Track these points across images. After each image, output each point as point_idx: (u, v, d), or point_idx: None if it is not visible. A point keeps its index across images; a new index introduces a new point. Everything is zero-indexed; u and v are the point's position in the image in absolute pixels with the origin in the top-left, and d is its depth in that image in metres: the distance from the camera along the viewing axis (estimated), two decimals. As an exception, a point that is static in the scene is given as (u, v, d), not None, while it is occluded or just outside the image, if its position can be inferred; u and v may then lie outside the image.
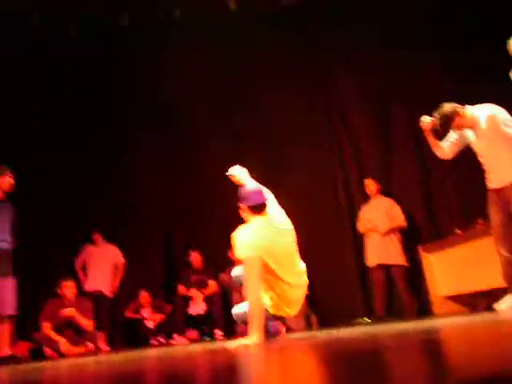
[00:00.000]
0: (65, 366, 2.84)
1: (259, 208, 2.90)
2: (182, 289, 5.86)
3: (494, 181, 3.54)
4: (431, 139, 3.78)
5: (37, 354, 4.97)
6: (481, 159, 3.61)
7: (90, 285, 5.87)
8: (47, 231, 6.08)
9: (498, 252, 3.45)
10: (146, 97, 6.59)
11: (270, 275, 2.79)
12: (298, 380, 0.94)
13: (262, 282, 2.72)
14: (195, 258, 6.03)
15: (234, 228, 2.88)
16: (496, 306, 3.39)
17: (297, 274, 2.98)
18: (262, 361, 1.59)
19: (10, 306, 4.08)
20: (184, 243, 6.34)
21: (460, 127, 3.58)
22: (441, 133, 3.70)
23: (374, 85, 5.96)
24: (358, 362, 1.14)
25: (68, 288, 5.02)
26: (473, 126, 3.56)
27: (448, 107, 3.53)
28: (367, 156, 6.05)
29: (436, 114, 3.58)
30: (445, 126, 3.57)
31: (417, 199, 5.70)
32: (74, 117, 6.48)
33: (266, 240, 2.76)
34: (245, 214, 2.96)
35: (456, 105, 3.53)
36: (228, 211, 5.75)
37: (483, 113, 3.51)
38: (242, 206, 2.93)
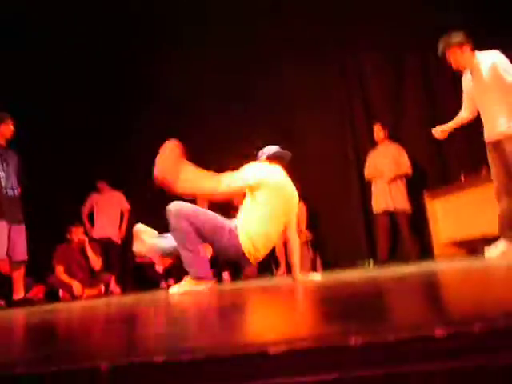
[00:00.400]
0: (77, 307, 2.97)
1: (277, 158, 2.94)
2: None
3: (487, 133, 3.52)
4: (452, 126, 3.74)
5: (52, 297, 5.18)
6: (465, 100, 3.61)
7: (99, 232, 5.99)
8: (55, 179, 6.14)
9: (497, 201, 3.49)
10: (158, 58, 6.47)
11: (263, 208, 2.78)
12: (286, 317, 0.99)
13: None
14: (201, 203, 6.10)
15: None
16: (486, 250, 3.48)
17: (276, 234, 2.94)
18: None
19: (22, 252, 4.21)
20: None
21: (457, 63, 3.49)
22: (441, 58, 3.61)
23: (388, 33, 5.81)
24: (356, 302, 1.19)
25: (77, 233, 5.17)
26: (472, 68, 3.48)
27: (455, 35, 3.45)
28: (377, 102, 5.98)
29: (441, 40, 3.50)
30: (443, 50, 3.49)
31: (425, 145, 5.67)
32: (84, 64, 6.37)
33: (274, 178, 2.81)
34: None
35: (464, 38, 3.44)
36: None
37: (486, 58, 3.40)
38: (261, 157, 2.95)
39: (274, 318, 1.00)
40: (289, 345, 0.58)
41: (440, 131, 3.77)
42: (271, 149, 3.06)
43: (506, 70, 3.31)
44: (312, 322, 0.83)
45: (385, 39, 5.89)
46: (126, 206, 6.18)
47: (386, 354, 0.58)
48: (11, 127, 4.32)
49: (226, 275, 5.69)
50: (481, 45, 3.53)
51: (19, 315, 2.62)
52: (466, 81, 3.61)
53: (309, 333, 0.70)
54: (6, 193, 4.19)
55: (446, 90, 5.54)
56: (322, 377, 0.57)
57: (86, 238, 5.24)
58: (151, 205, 6.36)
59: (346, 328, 0.67)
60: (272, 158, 2.98)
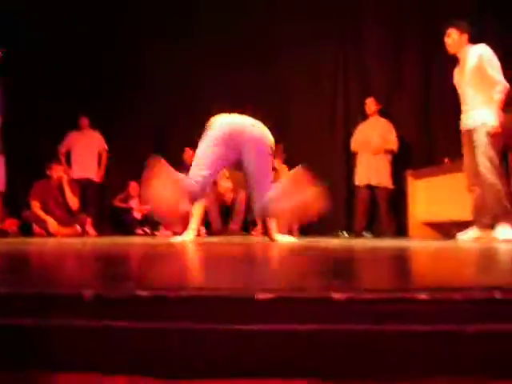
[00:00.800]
0: (52, 243, 2.97)
1: None
2: None
3: (464, 122, 3.65)
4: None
5: (26, 232, 5.15)
6: (460, 96, 3.68)
7: (78, 172, 5.88)
8: (37, 113, 5.99)
9: (468, 188, 3.60)
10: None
11: None
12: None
13: None
14: (188, 154, 6.04)
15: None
16: (459, 234, 3.64)
17: None
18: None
19: (0, 183, 4.13)
20: (177, 141, 6.33)
21: (451, 46, 3.63)
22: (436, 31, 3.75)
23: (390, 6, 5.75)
24: (337, 263, 1.21)
25: (57, 171, 5.09)
26: (461, 56, 3.62)
27: (461, 22, 3.65)
28: (373, 77, 5.96)
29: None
30: (447, 25, 3.65)
31: (415, 124, 5.72)
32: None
33: None
34: None
35: (467, 27, 3.59)
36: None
37: (475, 50, 3.54)
38: None
39: (261, 270, 1.02)
40: (275, 293, 0.59)
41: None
42: None
43: (490, 61, 3.44)
44: (297, 276, 0.85)
45: (386, 14, 5.85)
46: (104, 146, 6.08)
47: (366, 310, 0.59)
48: None
49: (202, 229, 5.73)
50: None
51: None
52: (456, 73, 3.71)
53: (294, 284, 0.72)
54: None
55: (443, 73, 5.53)
56: (305, 327, 0.58)
57: (65, 176, 5.16)
58: (129, 147, 6.33)
59: (330, 283, 0.68)
60: None
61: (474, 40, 3.64)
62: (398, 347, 0.58)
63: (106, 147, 6.08)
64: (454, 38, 3.60)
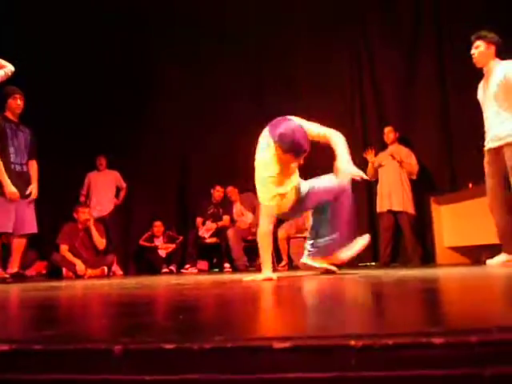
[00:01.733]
0: (80, 285, 3.03)
1: None
2: (199, 220, 6.09)
3: (488, 140, 3.52)
4: None
5: (55, 275, 5.26)
6: (484, 113, 3.60)
7: (98, 212, 5.99)
8: (61, 156, 6.17)
9: (491, 212, 3.51)
10: (173, 33, 6.52)
11: None
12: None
13: None
14: (218, 192, 6.16)
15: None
16: (488, 261, 3.56)
17: None
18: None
19: (31, 224, 4.27)
20: (199, 179, 6.46)
21: (477, 58, 3.54)
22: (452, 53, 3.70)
23: (404, 26, 5.83)
24: (357, 302, 1.22)
25: (83, 213, 5.22)
26: (487, 70, 3.53)
27: (491, 34, 3.54)
28: (389, 104, 5.98)
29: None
30: (475, 37, 3.57)
31: (436, 150, 5.67)
32: (94, 39, 6.42)
33: None
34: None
35: (497, 40, 3.52)
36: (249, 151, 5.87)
37: (503, 66, 3.44)
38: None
39: (279, 314, 1.04)
40: (293, 342, 0.62)
41: None
42: None
43: None
44: (314, 320, 0.87)
45: (398, 35, 5.92)
46: (123, 184, 6.23)
47: (384, 357, 0.61)
48: (19, 102, 4.31)
49: (227, 266, 5.76)
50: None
51: (28, 291, 2.68)
52: (480, 88, 3.63)
53: (312, 331, 0.74)
54: (14, 168, 4.23)
55: (462, 95, 5.53)
56: (323, 375, 0.60)
57: (92, 219, 5.29)
58: (153, 188, 6.47)
59: (347, 329, 0.70)
60: None
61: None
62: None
63: (125, 185, 6.22)
64: (480, 51, 3.51)
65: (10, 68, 3.97)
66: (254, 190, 3.05)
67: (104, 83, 6.40)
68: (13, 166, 4.23)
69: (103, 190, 6.11)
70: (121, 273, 5.71)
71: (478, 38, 3.53)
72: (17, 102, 4.30)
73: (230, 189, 6.16)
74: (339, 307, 1.12)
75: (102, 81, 6.39)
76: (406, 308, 1.02)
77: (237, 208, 6.14)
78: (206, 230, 6.01)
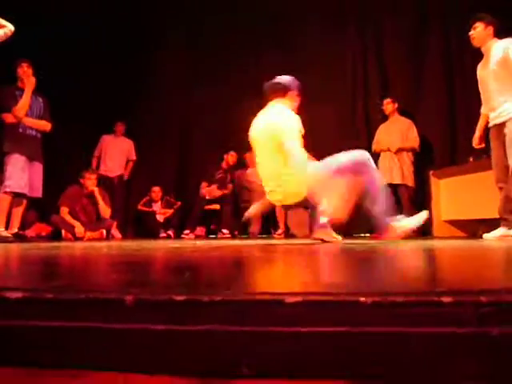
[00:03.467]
0: (79, 246, 3.05)
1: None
2: (204, 185, 6.10)
3: (491, 117, 3.59)
4: (481, 129, 3.83)
5: (56, 236, 5.29)
6: (481, 91, 3.63)
7: (104, 172, 6.04)
8: (74, 119, 6.14)
9: (496, 185, 3.55)
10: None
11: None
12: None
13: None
14: (231, 156, 6.12)
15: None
16: (485, 235, 3.59)
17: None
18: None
19: (38, 189, 4.37)
20: (200, 143, 6.43)
21: (476, 39, 3.58)
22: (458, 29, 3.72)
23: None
24: (364, 263, 1.23)
25: (90, 180, 5.18)
26: (486, 50, 3.56)
27: (486, 15, 3.59)
28: (394, 77, 5.94)
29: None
30: (473, 19, 3.61)
31: (439, 124, 5.66)
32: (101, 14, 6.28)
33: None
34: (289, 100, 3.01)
35: (493, 20, 3.55)
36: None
37: (501, 44, 3.48)
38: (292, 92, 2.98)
39: (291, 272, 1.05)
40: (305, 296, 0.62)
41: (476, 143, 3.82)
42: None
43: None
44: (325, 279, 0.88)
45: (406, 10, 5.82)
46: (133, 155, 6.22)
47: (393, 313, 0.62)
48: (25, 69, 4.38)
49: (225, 231, 5.79)
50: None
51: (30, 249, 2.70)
52: (479, 67, 3.65)
53: (323, 288, 0.75)
54: (26, 131, 4.34)
55: (466, 70, 5.48)
56: (334, 329, 0.61)
57: (96, 189, 5.23)
58: (152, 153, 6.46)
59: (357, 286, 0.71)
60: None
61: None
62: (424, 350, 0.61)
63: (135, 158, 6.22)
64: (478, 31, 3.55)
65: (9, 28, 3.91)
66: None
67: (112, 47, 6.31)
68: (27, 130, 4.34)
69: (116, 154, 6.11)
70: (120, 236, 5.75)
71: (476, 20, 3.58)
72: (23, 70, 4.36)
73: (249, 154, 6.04)
74: (347, 268, 1.13)
75: (111, 47, 6.31)
76: (414, 271, 1.03)
77: (253, 172, 6.01)
78: (208, 191, 6.00)
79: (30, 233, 5.60)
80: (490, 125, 3.63)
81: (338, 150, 5.83)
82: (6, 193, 4.16)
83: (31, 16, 5.45)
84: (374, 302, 0.62)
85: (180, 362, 0.64)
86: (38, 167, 4.43)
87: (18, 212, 4.35)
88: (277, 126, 2.86)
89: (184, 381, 0.64)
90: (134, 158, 6.26)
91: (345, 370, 0.61)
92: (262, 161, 3.04)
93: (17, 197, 4.24)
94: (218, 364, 0.62)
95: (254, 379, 0.62)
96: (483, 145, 3.89)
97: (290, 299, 0.62)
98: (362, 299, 0.62)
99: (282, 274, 1.04)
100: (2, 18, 3.86)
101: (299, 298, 0.62)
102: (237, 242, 3.61)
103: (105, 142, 6.23)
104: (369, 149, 5.74)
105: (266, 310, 0.63)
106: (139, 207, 6.28)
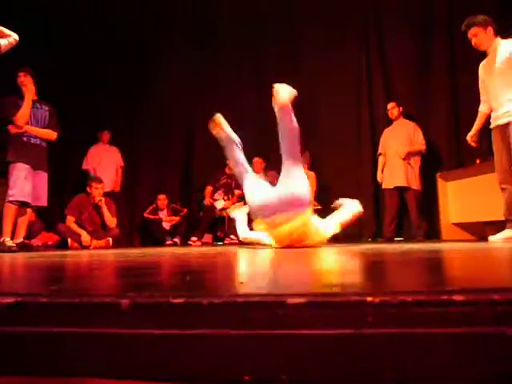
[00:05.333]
0: (85, 254, 3.03)
1: None
2: (208, 189, 6.06)
3: (494, 118, 3.54)
4: (478, 127, 3.78)
5: (62, 245, 5.28)
6: (482, 90, 3.56)
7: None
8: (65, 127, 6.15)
9: (500, 187, 3.50)
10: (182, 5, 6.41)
11: None
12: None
13: None
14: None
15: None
16: (490, 237, 3.54)
17: None
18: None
19: (43, 198, 4.36)
20: (205, 149, 6.42)
21: (481, 45, 3.51)
22: (463, 32, 3.63)
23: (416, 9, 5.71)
24: (371, 265, 1.20)
25: (96, 188, 5.16)
26: (490, 51, 3.50)
27: (481, 16, 3.51)
28: (397, 81, 5.91)
29: (467, 19, 3.56)
30: (468, 26, 3.53)
31: (444, 126, 5.61)
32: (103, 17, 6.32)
33: None
34: None
35: (490, 20, 3.48)
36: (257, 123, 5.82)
37: (506, 44, 3.42)
38: None
39: (294, 273, 1.02)
40: (308, 298, 0.59)
41: (471, 140, 3.77)
42: None
43: None
44: (330, 278, 0.85)
45: (410, 14, 5.80)
46: (121, 162, 6.18)
47: (402, 314, 0.59)
48: (22, 78, 4.33)
49: (233, 238, 5.76)
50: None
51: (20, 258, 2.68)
52: (482, 67, 3.60)
53: (327, 287, 0.72)
54: (29, 140, 4.32)
55: (471, 72, 5.43)
56: (338, 331, 0.58)
57: (103, 199, 5.20)
58: (157, 161, 6.45)
59: (364, 286, 0.67)
60: None
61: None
62: (433, 350, 0.57)
63: (122, 164, 6.18)
64: (480, 38, 3.48)
65: (14, 37, 3.93)
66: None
67: (109, 53, 6.32)
68: (31, 139, 4.32)
69: (105, 165, 6.04)
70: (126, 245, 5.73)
71: (472, 26, 3.50)
72: (20, 79, 4.34)
73: (256, 159, 6.01)
74: (353, 270, 1.10)
75: (107, 52, 6.32)
76: (422, 271, 1.00)
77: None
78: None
79: (36, 242, 5.59)
80: (493, 125, 3.56)
81: (344, 154, 5.85)
82: (10, 202, 4.15)
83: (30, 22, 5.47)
84: (382, 302, 0.58)
85: (179, 367, 0.61)
86: (43, 176, 4.41)
87: (23, 221, 4.34)
88: None
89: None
90: (122, 163, 6.22)
91: (351, 375, 0.58)
92: None
93: (21, 206, 4.23)
94: (218, 369, 0.59)
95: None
96: (478, 144, 3.84)
97: (292, 301, 0.59)
98: (370, 299, 0.59)
99: (285, 275, 1.01)
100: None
101: (302, 300, 0.59)
102: (244, 247, 3.58)
103: (93, 153, 6.11)
104: (374, 153, 5.73)
105: (267, 312, 0.60)
106: (145, 215, 6.27)
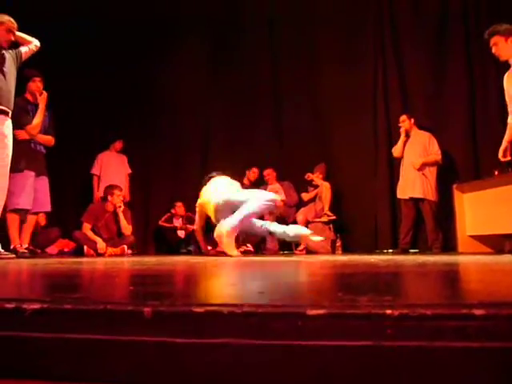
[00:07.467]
0: (101, 261, 3.06)
1: None
2: None
3: None
4: (507, 141, 3.73)
5: (79, 252, 5.34)
6: (508, 101, 3.52)
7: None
8: (79, 135, 6.23)
9: None
10: (194, 8, 6.49)
11: None
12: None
13: None
14: (253, 173, 6.08)
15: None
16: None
17: None
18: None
19: (46, 203, 4.40)
20: (221, 159, 6.45)
21: (499, 52, 3.48)
22: (485, 43, 3.60)
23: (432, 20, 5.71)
24: (389, 278, 1.20)
25: (118, 196, 5.22)
26: (511, 60, 3.46)
27: (505, 26, 3.48)
28: (414, 91, 5.88)
29: (491, 27, 3.53)
30: (490, 34, 3.50)
31: (461, 137, 5.56)
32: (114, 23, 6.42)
33: None
34: None
35: (510, 31, 3.45)
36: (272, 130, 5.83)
37: None
38: None
39: (313, 284, 1.02)
40: (328, 309, 0.60)
41: (502, 156, 3.73)
42: None
43: None
44: (349, 292, 0.85)
45: (426, 25, 5.80)
46: (128, 170, 6.22)
47: (421, 327, 0.59)
48: (39, 84, 4.37)
49: (249, 246, 5.75)
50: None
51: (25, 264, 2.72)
52: (507, 78, 3.56)
53: (345, 300, 0.72)
54: (38, 148, 4.39)
55: (487, 83, 5.40)
56: (357, 343, 0.58)
57: (122, 206, 5.25)
58: (173, 169, 6.51)
59: (383, 299, 0.68)
60: None
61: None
62: (452, 365, 0.57)
63: (130, 171, 6.22)
64: (501, 47, 3.45)
65: (35, 43, 3.97)
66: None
67: (121, 59, 6.42)
68: (31, 144, 4.36)
69: (116, 172, 6.06)
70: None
71: (494, 35, 3.47)
72: (37, 85, 4.38)
73: (268, 170, 6.04)
74: (371, 282, 1.10)
75: (119, 58, 6.42)
76: (440, 283, 1.00)
77: (273, 189, 5.97)
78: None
79: (52, 249, 5.67)
80: None
81: (360, 166, 5.83)
82: (15, 210, 4.10)
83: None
84: (401, 315, 0.59)
85: (200, 376, 0.62)
86: (45, 181, 4.43)
87: (27, 228, 4.35)
88: None
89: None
90: (130, 171, 6.26)
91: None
92: None
93: (25, 213, 4.24)
94: (238, 379, 0.60)
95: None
96: (509, 157, 3.79)
97: (311, 312, 0.59)
98: (389, 311, 0.59)
99: (304, 286, 1.01)
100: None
101: (322, 311, 0.59)
102: (259, 257, 3.58)
103: (102, 160, 6.12)
104: (390, 164, 5.70)
105: (287, 323, 0.60)
106: (160, 223, 6.32)
